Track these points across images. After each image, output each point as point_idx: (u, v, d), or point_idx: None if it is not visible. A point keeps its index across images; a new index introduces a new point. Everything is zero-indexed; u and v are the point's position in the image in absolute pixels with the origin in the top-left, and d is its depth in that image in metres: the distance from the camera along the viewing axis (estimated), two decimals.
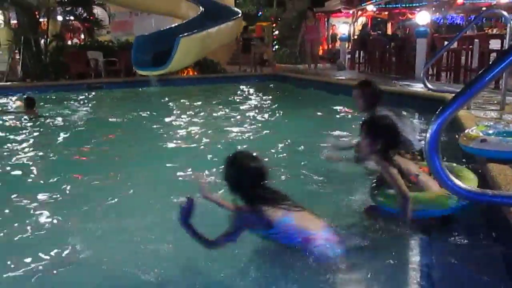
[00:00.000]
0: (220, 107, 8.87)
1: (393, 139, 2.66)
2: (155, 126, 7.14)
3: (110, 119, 8.04)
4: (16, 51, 13.26)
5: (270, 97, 10.40)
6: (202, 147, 5.63)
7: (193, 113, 8.22)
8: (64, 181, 4.13)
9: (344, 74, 11.92)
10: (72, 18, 13.99)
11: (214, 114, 8.09)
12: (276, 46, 19.20)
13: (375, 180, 2.83)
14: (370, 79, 4.41)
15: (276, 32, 19.98)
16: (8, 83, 12.10)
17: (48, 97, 10.56)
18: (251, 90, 11.54)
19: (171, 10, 15.24)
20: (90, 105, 10.04)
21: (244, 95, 10.99)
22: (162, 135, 6.47)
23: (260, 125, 7.00)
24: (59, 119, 7.88)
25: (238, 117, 7.68)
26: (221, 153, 3.65)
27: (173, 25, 13.87)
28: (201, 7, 14.25)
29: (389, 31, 19.68)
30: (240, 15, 14.63)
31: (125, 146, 5.79)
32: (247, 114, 7.93)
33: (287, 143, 5.46)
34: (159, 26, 16.75)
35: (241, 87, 11.99)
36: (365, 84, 3.96)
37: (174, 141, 6.05)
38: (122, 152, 5.44)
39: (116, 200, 3.63)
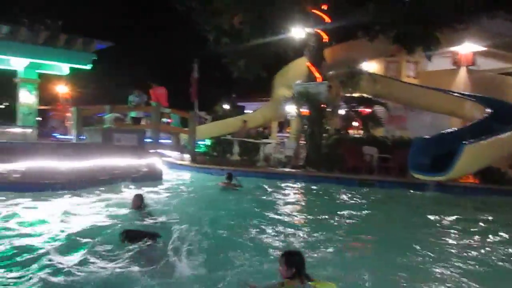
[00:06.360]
0: (498, 228, 7.42)
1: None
2: (420, 236, 6.65)
3: (376, 220, 8.12)
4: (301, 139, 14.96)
5: None
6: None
7: (463, 232, 7.20)
8: None
9: None
10: (353, 113, 14.94)
11: (488, 236, 6.82)
12: None
13: None
14: None
15: None
16: (293, 170, 13.62)
17: (320, 188, 11.31)
18: None
19: (452, 110, 14.60)
20: (359, 201, 10.03)
21: None
22: (425, 251, 5.86)
23: None
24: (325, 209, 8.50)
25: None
26: None
27: (455, 128, 13.12)
28: (488, 109, 13.14)
29: None
30: None
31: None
32: None
33: None
34: (435, 122, 16.23)
35: None
36: None
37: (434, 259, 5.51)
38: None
39: None
